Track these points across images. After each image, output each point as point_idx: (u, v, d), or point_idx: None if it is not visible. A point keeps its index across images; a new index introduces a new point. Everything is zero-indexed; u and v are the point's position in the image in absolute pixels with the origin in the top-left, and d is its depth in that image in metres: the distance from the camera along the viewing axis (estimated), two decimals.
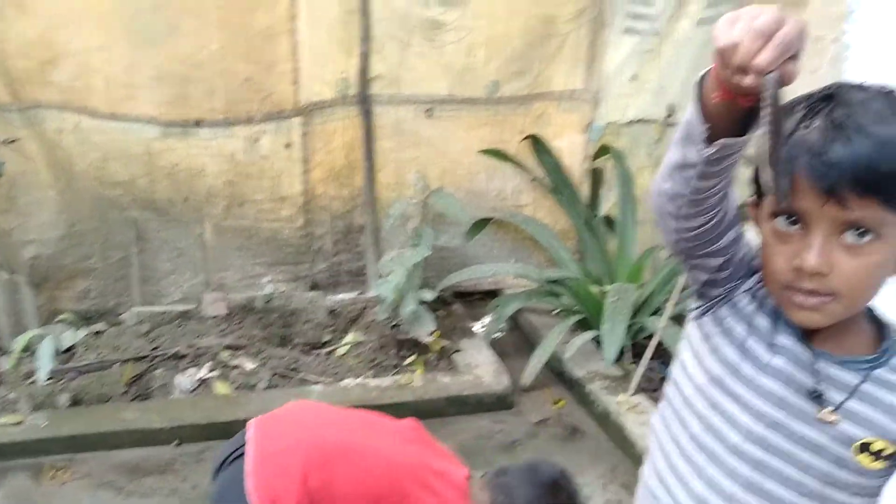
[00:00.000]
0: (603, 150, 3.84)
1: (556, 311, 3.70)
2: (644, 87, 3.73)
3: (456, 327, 3.73)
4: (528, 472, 1.69)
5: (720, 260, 1.05)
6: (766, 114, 0.81)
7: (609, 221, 3.89)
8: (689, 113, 0.92)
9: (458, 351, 3.49)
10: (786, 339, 1.03)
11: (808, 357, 1.02)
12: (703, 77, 0.90)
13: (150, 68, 3.25)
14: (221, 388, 3.13)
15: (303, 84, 3.42)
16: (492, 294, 4.03)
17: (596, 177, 3.94)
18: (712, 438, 1.07)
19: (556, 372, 3.41)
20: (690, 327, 1.13)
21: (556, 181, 3.82)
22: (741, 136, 0.90)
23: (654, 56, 3.67)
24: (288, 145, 3.50)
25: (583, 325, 3.42)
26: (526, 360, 3.36)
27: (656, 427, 1.18)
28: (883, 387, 1.00)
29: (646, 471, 1.19)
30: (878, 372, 1.00)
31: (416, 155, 3.72)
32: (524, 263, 3.93)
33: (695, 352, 1.11)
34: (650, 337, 3.09)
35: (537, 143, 3.80)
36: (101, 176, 3.44)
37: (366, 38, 3.42)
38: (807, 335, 1.02)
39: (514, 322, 3.93)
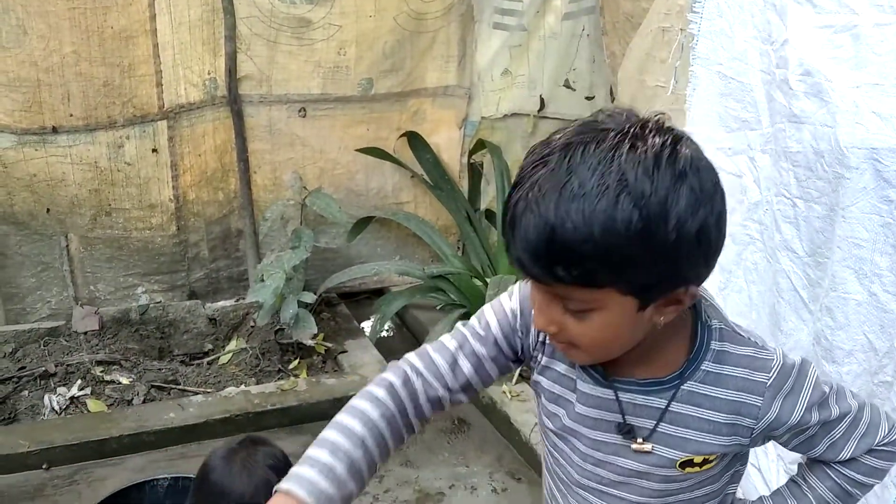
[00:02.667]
0: (479, 145, 3.89)
1: (440, 307, 3.72)
2: (515, 82, 3.80)
3: (342, 329, 3.70)
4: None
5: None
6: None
7: (489, 215, 3.94)
8: None
9: (343, 352, 3.46)
10: (586, 381, 1.05)
11: (609, 393, 1.03)
12: None
13: None
14: (94, 405, 2.99)
15: (167, 86, 3.29)
16: (378, 293, 4.01)
17: (474, 171, 3.99)
18: (561, 472, 1.14)
19: None
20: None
21: (436, 177, 3.83)
22: None
23: (524, 51, 3.74)
24: (154, 150, 3.36)
25: (467, 319, 3.44)
26: None
27: None
28: (690, 402, 1.01)
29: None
30: (684, 388, 1.01)
31: (292, 156, 3.66)
32: (409, 260, 3.93)
33: (536, 401, 1.17)
34: None
35: (415, 140, 3.80)
36: None
37: (231, 36, 3.33)
38: (609, 366, 1.03)
39: (401, 320, 3.93)
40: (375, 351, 3.46)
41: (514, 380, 3.07)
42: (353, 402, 1.05)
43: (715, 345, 1.01)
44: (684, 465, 1.03)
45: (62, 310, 3.53)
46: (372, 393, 1.06)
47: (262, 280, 3.28)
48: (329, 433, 1.01)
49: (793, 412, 1.01)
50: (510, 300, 1.12)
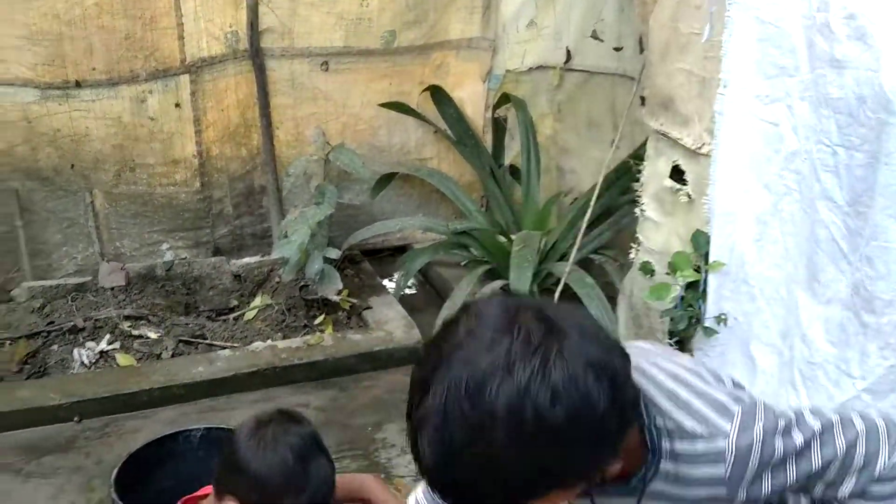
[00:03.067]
0: (504, 99, 3.83)
1: (464, 263, 3.70)
2: (541, 33, 3.72)
3: (366, 285, 3.70)
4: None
5: None
6: None
7: (513, 170, 3.90)
8: None
9: (368, 308, 3.46)
10: None
11: (586, 501, 1.11)
12: None
13: (20, 27, 3.04)
14: (124, 359, 3.02)
15: (189, 39, 3.26)
16: (401, 250, 4.01)
17: (498, 126, 3.94)
18: None
19: None
20: None
21: (459, 132, 3.79)
22: None
23: (550, 1, 3.66)
24: (177, 105, 3.34)
25: (492, 275, 3.43)
26: (437, 313, 3.37)
27: None
28: (660, 499, 1.06)
29: None
30: (651, 489, 1.06)
31: (315, 111, 3.62)
32: (431, 217, 3.91)
33: None
34: (558, 282, 3.13)
35: (438, 94, 3.75)
36: None
37: None
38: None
39: (424, 277, 3.92)
40: (400, 307, 3.46)
41: None
42: None
43: (666, 444, 1.04)
44: None
45: (88, 266, 3.55)
46: None
47: (287, 236, 3.27)
48: None
49: (762, 487, 1.04)
50: None
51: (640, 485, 1.05)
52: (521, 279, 3.20)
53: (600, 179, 3.03)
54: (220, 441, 2.13)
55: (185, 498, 1.52)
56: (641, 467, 1.04)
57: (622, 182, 3.18)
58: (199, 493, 1.53)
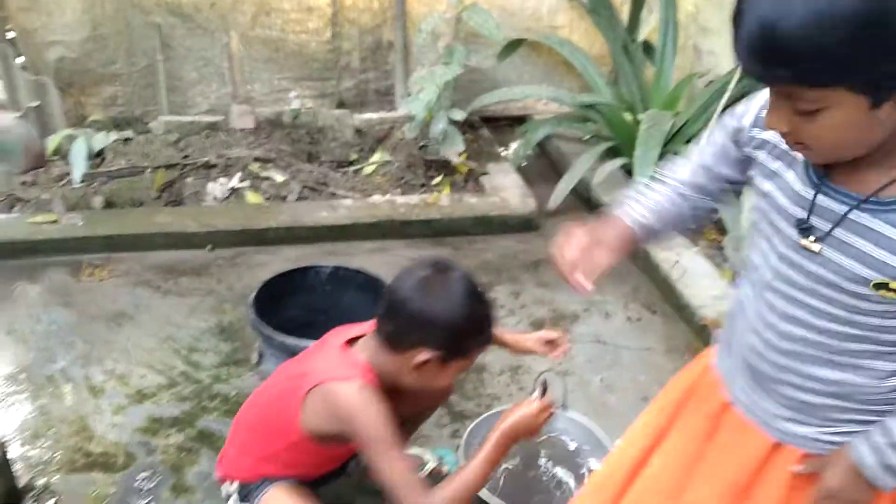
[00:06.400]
0: None
1: (586, 138, 3.65)
2: None
3: (484, 151, 3.71)
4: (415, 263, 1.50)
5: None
6: None
7: (647, 47, 3.75)
8: None
9: (485, 174, 3.49)
10: (795, 172, 1.03)
11: (807, 190, 1.01)
12: None
13: None
14: (253, 197, 3.16)
15: None
16: (520, 120, 3.97)
17: None
18: (756, 276, 1.12)
19: (582, 198, 3.42)
20: None
21: (595, 1, 3.65)
22: None
23: None
24: None
25: (613, 153, 3.38)
26: (552, 186, 3.36)
27: None
28: (888, 222, 0.95)
29: None
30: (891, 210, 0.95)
31: None
32: (556, 88, 3.83)
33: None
34: None
35: None
36: None
37: None
38: (825, 171, 0.99)
39: (542, 149, 3.89)
40: (516, 175, 3.47)
41: None
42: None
43: None
44: (879, 286, 1.00)
45: (220, 106, 3.67)
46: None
47: (414, 94, 3.28)
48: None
49: None
50: (730, 118, 1.13)
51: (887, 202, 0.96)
52: (645, 159, 3.14)
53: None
54: (346, 280, 2.24)
55: (338, 328, 1.59)
56: None
57: None
58: (351, 325, 1.59)
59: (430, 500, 1.36)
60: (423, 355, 1.40)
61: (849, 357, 1.05)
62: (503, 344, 1.73)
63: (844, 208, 0.98)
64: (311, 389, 1.42)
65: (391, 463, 1.37)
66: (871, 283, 0.99)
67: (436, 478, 1.95)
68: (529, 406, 1.42)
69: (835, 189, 0.99)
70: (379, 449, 1.37)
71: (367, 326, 1.52)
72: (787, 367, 1.10)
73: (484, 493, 1.74)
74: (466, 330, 1.42)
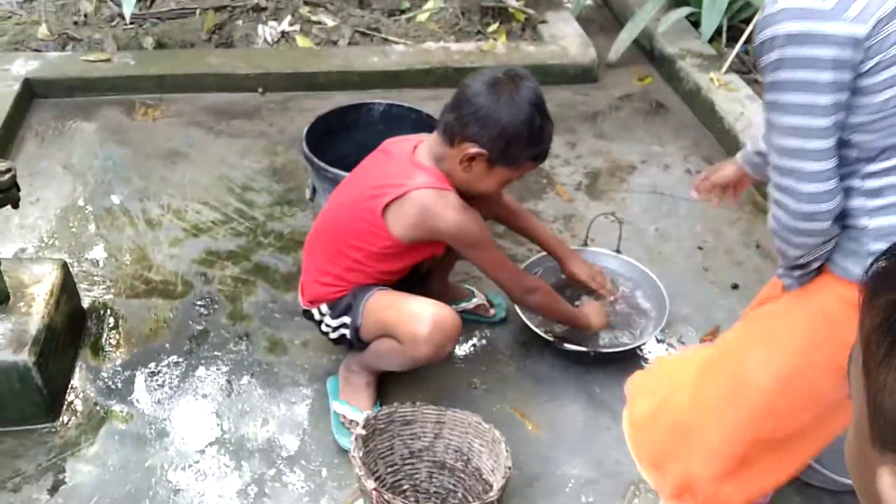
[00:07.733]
0: None
1: None
2: None
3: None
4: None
5: None
6: None
7: None
8: None
9: (543, 22, 3.34)
10: None
11: None
12: None
13: None
14: (303, 41, 3.08)
15: None
16: None
17: None
18: None
19: (644, 50, 3.27)
20: None
21: None
22: None
23: None
24: None
25: (679, 1, 3.20)
26: (613, 37, 3.22)
27: None
28: None
29: None
30: None
31: None
32: None
33: None
34: (748, 21, 2.88)
35: None
36: None
37: None
38: None
39: None
40: (576, 24, 3.31)
41: (723, 68, 2.88)
42: None
43: None
44: None
45: None
46: None
47: None
48: None
49: None
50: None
51: None
52: (714, 8, 2.98)
53: None
54: (399, 118, 2.19)
55: (391, 139, 1.61)
56: None
57: None
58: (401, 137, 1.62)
59: (534, 283, 1.68)
60: (474, 149, 1.44)
61: None
62: (568, 273, 1.90)
63: None
64: (396, 199, 1.48)
65: (497, 259, 1.60)
66: None
67: (481, 316, 1.97)
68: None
69: None
70: (482, 248, 1.55)
71: (417, 137, 1.59)
72: None
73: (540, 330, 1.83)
74: (519, 135, 1.44)
